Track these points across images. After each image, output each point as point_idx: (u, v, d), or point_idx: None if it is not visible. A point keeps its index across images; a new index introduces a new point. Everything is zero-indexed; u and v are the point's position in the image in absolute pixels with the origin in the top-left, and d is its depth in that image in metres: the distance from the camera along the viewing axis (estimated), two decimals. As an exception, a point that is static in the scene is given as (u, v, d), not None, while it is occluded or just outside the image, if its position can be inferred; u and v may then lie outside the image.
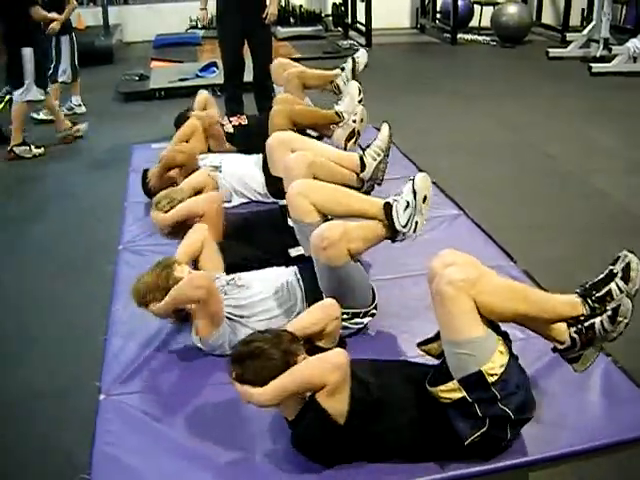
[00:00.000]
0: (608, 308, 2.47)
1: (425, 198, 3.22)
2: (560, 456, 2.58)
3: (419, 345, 2.72)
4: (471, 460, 2.49)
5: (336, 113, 4.86)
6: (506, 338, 2.52)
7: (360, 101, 4.87)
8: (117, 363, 3.18)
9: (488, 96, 7.56)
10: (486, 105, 7.20)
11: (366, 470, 2.51)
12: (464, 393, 2.40)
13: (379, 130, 4.06)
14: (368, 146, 3.98)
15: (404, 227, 3.21)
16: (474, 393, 2.39)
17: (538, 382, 2.81)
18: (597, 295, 2.51)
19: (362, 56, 5.34)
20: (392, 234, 3.26)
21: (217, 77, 7.84)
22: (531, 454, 2.55)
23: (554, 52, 9.14)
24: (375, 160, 3.94)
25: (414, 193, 3.19)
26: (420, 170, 5.14)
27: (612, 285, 2.50)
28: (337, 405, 2.43)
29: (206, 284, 3.02)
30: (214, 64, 8.28)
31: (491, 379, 2.36)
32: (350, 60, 5.32)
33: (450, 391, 2.43)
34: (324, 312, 2.92)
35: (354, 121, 4.74)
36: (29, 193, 5.46)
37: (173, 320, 3.32)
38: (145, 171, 4.74)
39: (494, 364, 2.37)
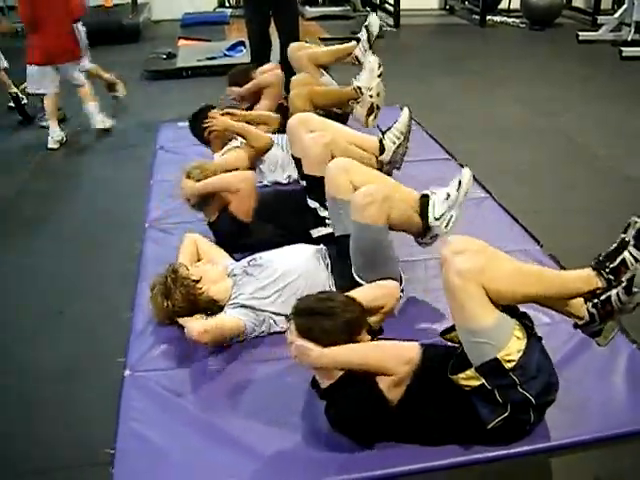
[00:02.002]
0: (623, 279, 2.40)
1: (466, 193, 3.22)
2: (582, 442, 2.57)
3: (442, 334, 2.71)
4: (495, 443, 2.49)
5: (354, 89, 4.83)
6: (525, 318, 2.51)
7: (379, 75, 4.84)
8: (142, 340, 3.21)
9: (516, 79, 7.49)
10: (514, 88, 7.14)
11: (390, 453, 2.51)
12: (483, 380, 2.40)
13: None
14: (388, 129, 3.96)
15: (437, 219, 3.21)
16: (493, 380, 2.38)
17: (563, 367, 2.79)
18: (611, 266, 2.45)
19: (373, 21, 5.27)
20: (422, 229, 3.27)
21: (245, 56, 7.82)
22: (553, 439, 2.55)
23: (584, 35, 9.02)
24: (394, 144, 3.92)
25: (459, 185, 3.19)
26: (448, 152, 5.16)
27: (625, 254, 2.43)
28: (394, 394, 2.46)
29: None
30: (242, 43, 8.26)
31: (508, 365, 2.35)
32: (364, 29, 5.26)
33: (469, 379, 2.43)
34: (387, 290, 2.95)
35: (370, 96, 4.70)
36: (57, 171, 5.50)
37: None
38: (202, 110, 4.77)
39: (510, 350, 2.36)
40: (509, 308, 2.44)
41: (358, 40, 5.28)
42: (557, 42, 9.22)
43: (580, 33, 9.04)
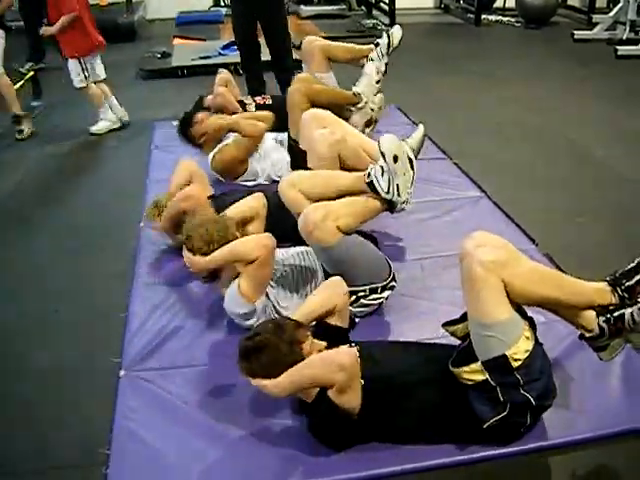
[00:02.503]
0: (639, 299, 2.43)
1: (396, 158, 3.20)
2: (579, 441, 2.57)
3: (444, 325, 2.72)
4: (490, 444, 2.50)
5: (354, 94, 4.82)
6: (531, 323, 2.51)
7: (378, 82, 4.82)
8: (137, 340, 3.21)
9: (512, 78, 7.49)
10: (509, 87, 7.14)
11: (385, 452, 2.52)
12: (487, 375, 2.39)
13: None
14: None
15: (387, 193, 3.21)
16: (497, 376, 2.39)
17: (558, 367, 2.80)
18: (627, 284, 2.47)
19: (397, 31, 5.21)
20: (386, 205, 3.27)
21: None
22: (550, 438, 2.55)
23: (579, 34, 9.03)
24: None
25: (382, 155, 3.19)
26: (444, 152, 5.15)
27: None
28: (349, 401, 2.44)
29: (271, 244, 3.02)
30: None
31: (515, 364, 2.36)
32: (385, 35, 5.18)
33: (473, 372, 2.43)
34: (331, 289, 2.93)
35: (372, 109, 4.71)
36: (52, 169, 5.48)
37: (204, 277, 3.24)
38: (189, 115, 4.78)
39: (519, 349, 2.36)
40: (519, 309, 2.45)
41: (376, 45, 5.18)
42: (552, 41, 9.23)
43: (575, 32, 9.06)
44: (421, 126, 3.90)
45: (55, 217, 4.63)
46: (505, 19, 10.39)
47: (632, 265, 2.52)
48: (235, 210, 3.51)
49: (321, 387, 2.44)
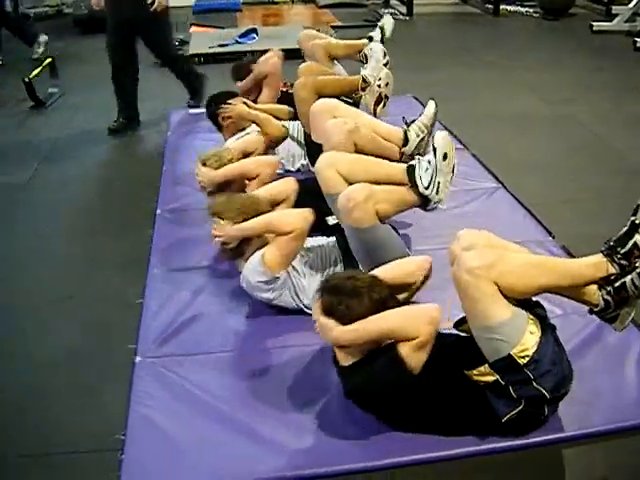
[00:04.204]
0: (638, 265, 2.37)
1: (445, 156, 3.19)
2: (594, 434, 2.56)
3: (455, 326, 2.69)
4: (509, 434, 2.49)
5: (362, 78, 4.80)
6: (538, 308, 2.50)
7: (386, 64, 4.81)
8: (153, 326, 3.21)
9: (529, 69, 7.45)
10: (527, 78, 7.10)
11: (403, 443, 2.51)
12: (497, 376, 2.38)
13: (423, 105, 4.01)
14: (413, 121, 3.94)
15: (427, 189, 3.21)
16: (507, 376, 2.37)
17: (575, 359, 2.77)
18: (622, 251, 2.41)
19: (388, 22, 5.26)
20: (421, 200, 3.27)
21: (257, 43, 7.85)
22: (566, 430, 2.54)
23: (598, 26, 8.95)
24: (418, 136, 3.89)
25: (434, 150, 3.18)
26: (461, 142, 5.13)
27: (637, 237, 2.40)
28: (418, 360, 2.42)
29: (311, 219, 3.08)
30: (254, 30, 8.29)
31: (522, 361, 2.34)
32: (378, 29, 5.25)
33: (483, 374, 2.42)
34: (416, 266, 2.95)
35: (379, 86, 4.68)
36: (68, 156, 5.49)
37: (228, 251, 3.26)
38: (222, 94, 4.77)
39: (524, 346, 2.34)
40: (520, 301, 2.42)
41: (370, 39, 5.22)
42: (571, 32, 9.16)
43: (594, 23, 8.97)
44: (432, 102, 3.92)
45: (71, 204, 4.65)
46: (524, 10, 10.31)
47: (624, 230, 2.46)
48: (266, 192, 3.57)
49: (393, 339, 2.41)
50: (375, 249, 3.15)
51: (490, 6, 10.35)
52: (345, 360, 2.52)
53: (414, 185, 3.23)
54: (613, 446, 2.56)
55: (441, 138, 3.21)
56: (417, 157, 3.32)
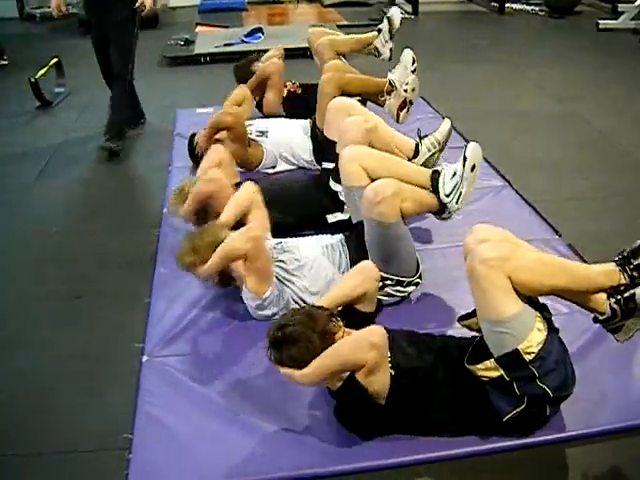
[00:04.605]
0: None
1: (473, 167, 3.18)
2: (598, 433, 2.56)
3: (459, 320, 2.71)
4: (510, 434, 2.49)
5: (389, 82, 4.80)
6: (545, 311, 2.49)
7: (414, 71, 4.81)
8: (160, 325, 3.22)
9: (535, 67, 7.43)
10: (533, 76, 7.09)
11: (406, 443, 2.52)
12: (502, 371, 2.39)
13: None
14: (426, 135, 3.92)
15: (447, 196, 3.20)
16: (512, 371, 2.38)
17: (579, 358, 2.77)
18: (635, 263, 2.43)
19: (395, 14, 5.22)
20: (439, 206, 3.26)
21: (263, 42, 7.84)
22: (569, 430, 2.54)
23: (604, 24, 8.94)
24: (429, 151, 3.86)
25: (464, 159, 3.17)
26: (467, 140, 5.12)
27: None
28: (377, 383, 2.44)
29: (256, 235, 3.04)
30: (259, 29, 8.29)
31: (528, 357, 2.34)
32: (385, 20, 5.21)
33: (488, 369, 2.42)
34: (363, 274, 2.94)
35: (405, 90, 4.68)
36: (75, 156, 5.49)
37: (216, 283, 3.28)
38: (192, 135, 4.73)
39: (531, 342, 2.34)
40: (529, 300, 2.42)
41: (379, 31, 5.21)
42: (577, 30, 9.15)
43: (600, 21, 8.96)
44: (447, 120, 3.89)
45: (77, 204, 4.66)
46: (529, 8, 10.30)
47: (639, 242, 2.47)
48: (226, 212, 3.40)
49: (350, 371, 2.42)
50: (391, 246, 3.16)
51: (496, 4, 10.34)
52: (332, 386, 2.53)
53: (436, 191, 3.23)
54: (618, 445, 2.55)
55: (472, 149, 3.19)
56: (445, 164, 3.30)
